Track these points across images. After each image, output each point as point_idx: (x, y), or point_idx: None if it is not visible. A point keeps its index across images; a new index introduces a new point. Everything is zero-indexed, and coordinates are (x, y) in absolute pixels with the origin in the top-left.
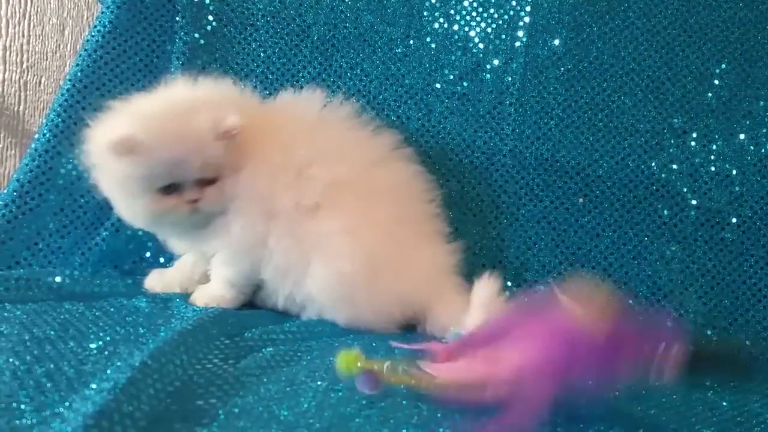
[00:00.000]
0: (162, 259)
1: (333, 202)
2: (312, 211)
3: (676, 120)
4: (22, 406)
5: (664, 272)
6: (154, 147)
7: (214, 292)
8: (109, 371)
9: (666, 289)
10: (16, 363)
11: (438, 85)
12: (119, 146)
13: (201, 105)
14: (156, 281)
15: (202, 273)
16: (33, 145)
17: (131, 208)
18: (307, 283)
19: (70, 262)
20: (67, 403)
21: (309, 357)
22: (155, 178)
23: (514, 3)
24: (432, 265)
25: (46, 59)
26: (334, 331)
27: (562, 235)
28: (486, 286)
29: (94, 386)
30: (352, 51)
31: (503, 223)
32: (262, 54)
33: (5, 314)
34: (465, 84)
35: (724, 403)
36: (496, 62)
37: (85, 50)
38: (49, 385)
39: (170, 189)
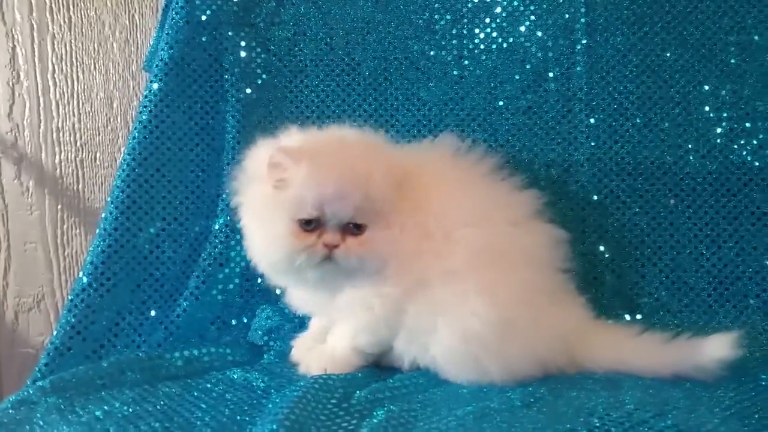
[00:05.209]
0: (245, 319)
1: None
2: (451, 275)
3: (760, 102)
4: None
5: None
6: (322, 165)
7: (339, 354)
8: None
9: None
10: None
11: (500, 102)
12: (290, 151)
13: (374, 145)
14: (304, 356)
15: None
16: (102, 225)
17: (265, 241)
18: (432, 347)
19: (153, 338)
20: None
21: (422, 418)
22: (305, 204)
23: (568, 6)
24: (567, 321)
25: (99, 134)
26: (437, 382)
27: (658, 240)
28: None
29: None
30: (406, 81)
31: (592, 237)
32: (315, 99)
33: (105, 408)
34: (529, 97)
35: None
36: (558, 69)
37: (139, 122)
38: None
39: (312, 227)
